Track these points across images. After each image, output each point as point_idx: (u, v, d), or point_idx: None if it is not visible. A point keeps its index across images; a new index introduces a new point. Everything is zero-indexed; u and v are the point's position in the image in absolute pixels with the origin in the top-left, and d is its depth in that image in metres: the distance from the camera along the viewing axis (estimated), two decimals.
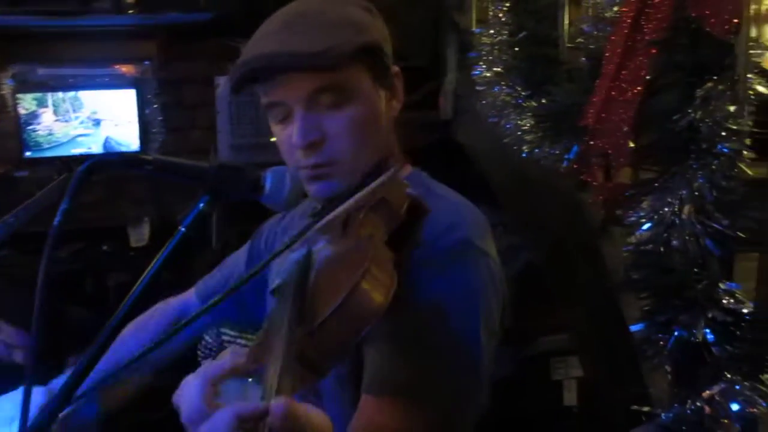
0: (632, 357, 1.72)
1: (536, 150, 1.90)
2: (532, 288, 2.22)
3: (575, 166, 1.82)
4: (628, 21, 1.38)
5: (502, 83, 2.06)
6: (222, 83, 3.16)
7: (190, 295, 1.34)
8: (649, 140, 1.34)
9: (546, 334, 3.06)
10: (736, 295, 1.19)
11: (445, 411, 0.88)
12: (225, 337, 2.35)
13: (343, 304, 0.69)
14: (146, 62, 3.09)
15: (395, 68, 1.04)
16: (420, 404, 0.85)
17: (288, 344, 0.66)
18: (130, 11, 2.93)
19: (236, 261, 1.33)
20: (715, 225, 1.23)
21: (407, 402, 0.86)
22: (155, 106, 3.06)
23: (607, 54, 1.46)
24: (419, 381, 0.87)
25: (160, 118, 3.01)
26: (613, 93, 1.40)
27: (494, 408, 0.95)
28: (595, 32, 1.59)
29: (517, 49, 2.06)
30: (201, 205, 0.91)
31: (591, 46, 1.62)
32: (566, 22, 2.10)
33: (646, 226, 1.31)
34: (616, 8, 1.47)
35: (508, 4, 2.10)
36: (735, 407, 1.13)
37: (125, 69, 3.08)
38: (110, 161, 0.99)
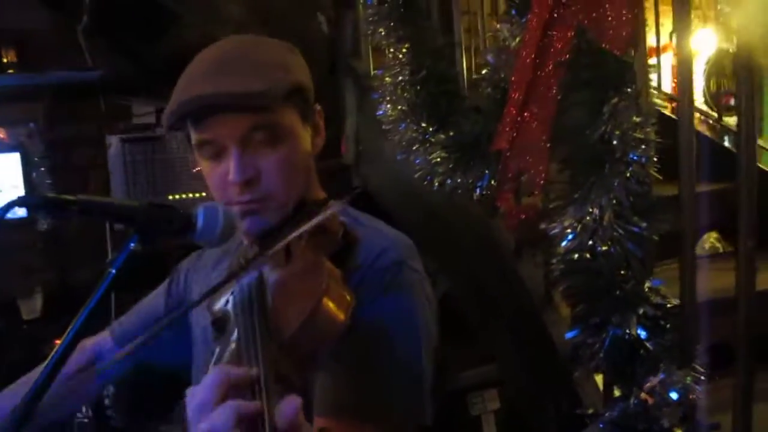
0: (560, 372, 1.78)
1: (448, 181, 1.96)
2: (449, 322, 2.27)
3: (487, 193, 1.90)
4: (533, 47, 1.47)
5: (408, 120, 2.12)
6: (114, 143, 3.06)
7: (104, 338, 1.30)
8: (562, 155, 1.42)
9: (464, 370, 3.11)
10: (661, 291, 1.26)
11: (393, 429, 0.92)
12: None
13: (310, 318, 0.73)
14: (31, 124, 2.95)
15: (317, 107, 1.09)
16: (369, 424, 0.89)
17: (265, 359, 0.68)
18: (10, 71, 2.81)
19: (153, 303, 1.31)
20: (633, 228, 1.32)
21: (357, 423, 0.90)
22: (42, 169, 2.91)
23: (513, 80, 1.54)
24: (368, 401, 0.91)
25: (48, 181, 2.87)
26: (525, 115, 1.47)
27: None
28: (499, 63, 1.68)
29: (418, 87, 2.14)
30: (131, 245, 0.90)
31: (496, 76, 1.70)
32: (464, 59, 2.21)
33: (569, 237, 1.37)
34: (518, 38, 1.56)
35: (407, 46, 2.18)
36: (674, 395, 1.18)
37: (7, 132, 2.93)
38: (31, 202, 0.96)
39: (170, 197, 3.24)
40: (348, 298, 0.80)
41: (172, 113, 0.99)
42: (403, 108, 2.14)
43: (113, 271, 0.87)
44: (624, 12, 1.30)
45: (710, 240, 2.66)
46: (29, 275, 2.91)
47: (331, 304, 0.77)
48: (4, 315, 2.80)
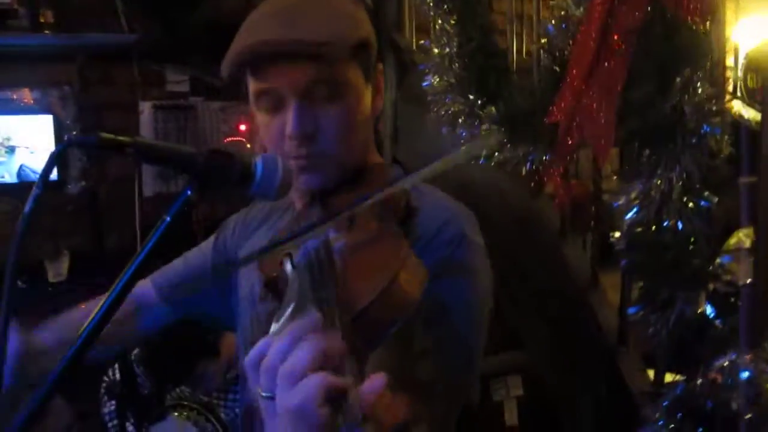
0: (603, 356, 1.74)
1: (496, 154, 1.92)
2: None
3: (536, 169, 1.86)
4: (600, 16, 1.42)
5: (455, 93, 2.08)
6: (146, 109, 3.03)
7: (146, 287, 1.26)
8: (629, 127, 1.37)
9: (486, 355, 3.07)
10: (733, 267, 1.22)
11: (445, 406, 0.90)
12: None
13: (384, 292, 0.69)
14: (65, 87, 2.91)
15: (380, 65, 1.05)
16: (424, 400, 0.85)
17: (345, 330, 0.64)
18: (47, 31, 2.77)
19: (200, 256, 1.27)
20: (703, 203, 1.27)
21: (413, 398, 0.87)
22: (74, 133, 2.88)
23: (575, 50, 1.50)
24: (425, 378, 0.88)
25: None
26: (590, 86, 1.43)
27: None
28: (559, 33, 1.63)
29: (466, 60, 2.10)
30: (188, 192, 0.86)
31: (555, 47, 1.66)
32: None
33: (634, 210, 1.33)
34: (582, 8, 1.51)
35: (455, 18, 2.13)
36: (745, 374, 1.14)
37: (41, 93, 2.90)
38: (88, 141, 0.92)
39: None
40: (422, 273, 0.75)
41: (235, 57, 0.94)
42: (450, 80, 2.09)
43: (168, 218, 0.82)
44: None
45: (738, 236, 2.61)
46: (57, 238, 2.88)
47: (406, 280, 0.72)
48: (30, 276, 2.78)
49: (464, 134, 2.04)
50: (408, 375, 0.87)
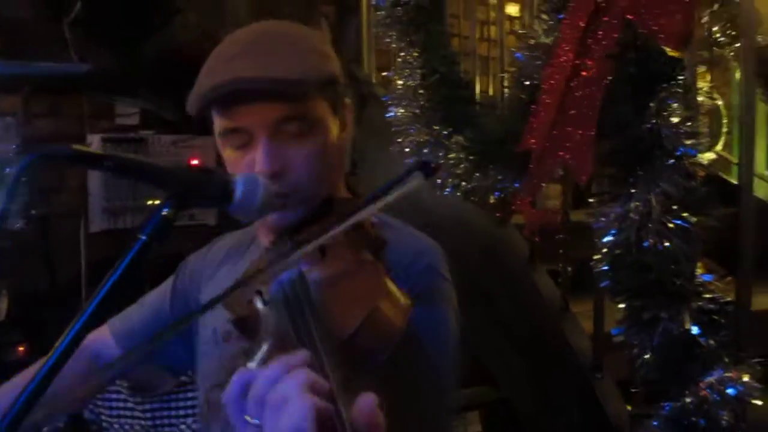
0: (577, 382, 1.73)
1: (463, 183, 1.92)
2: None
3: (504, 197, 1.87)
4: (573, 43, 1.45)
5: (420, 123, 2.08)
6: (95, 142, 2.94)
7: (104, 335, 1.21)
8: (605, 150, 1.39)
9: None
10: (715, 285, 1.24)
11: None
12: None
13: (367, 321, 0.68)
14: (8, 117, 2.80)
15: (347, 100, 1.05)
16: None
17: (330, 358, 0.63)
18: None
19: (159, 300, 1.22)
20: (682, 223, 1.29)
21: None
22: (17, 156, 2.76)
23: (548, 76, 1.52)
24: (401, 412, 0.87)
25: (23, 179, 2.71)
26: (565, 112, 1.45)
27: None
28: (529, 61, 1.65)
29: (431, 91, 2.11)
30: (165, 210, 0.83)
31: (524, 75, 1.68)
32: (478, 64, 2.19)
33: (612, 232, 1.34)
34: (556, 33, 1.54)
35: (418, 49, 2.15)
36: (731, 391, 1.15)
37: None
38: (62, 154, 0.87)
39: (149, 202, 3.13)
40: (404, 301, 0.74)
41: (206, 95, 0.92)
42: (415, 111, 2.10)
43: (144, 237, 0.79)
44: (679, 8, 1.29)
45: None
46: None
47: (389, 307, 0.71)
48: None
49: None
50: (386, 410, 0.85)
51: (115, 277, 0.78)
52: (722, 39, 2.36)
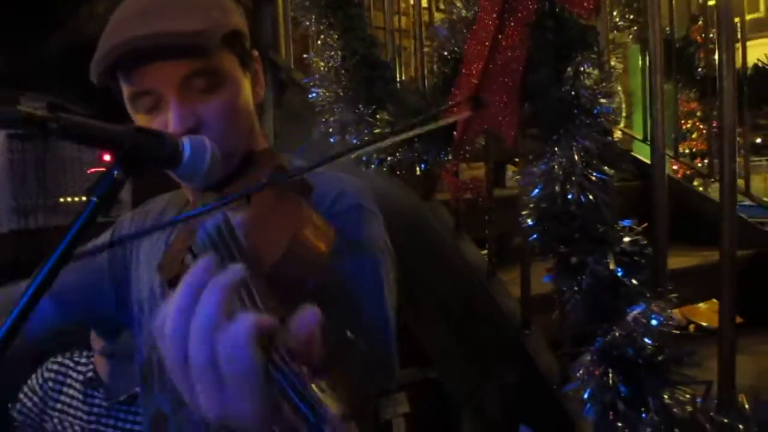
0: (507, 344, 1.83)
1: (389, 158, 1.99)
2: None
3: (430, 169, 1.94)
4: (493, 14, 1.54)
5: (343, 103, 2.13)
6: (0, 138, 2.82)
7: None
8: (528, 112, 1.49)
9: None
10: (634, 228, 1.35)
11: (359, 386, 0.86)
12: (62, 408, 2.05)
13: (290, 248, 0.69)
14: None
15: (255, 52, 1.05)
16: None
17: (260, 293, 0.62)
18: None
19: (93, 258, 1.20)
20: (601, 176, 1.40)
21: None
22: None
23: (471, 47, 1.60)
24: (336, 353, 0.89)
25: None
26: (489, 79, 1.53)
27: None
28: (452, 35, 1.74)
29: (352, 72, 2.16)
30: (115, 172, 0.84)
31: (446, 49, 1.76)
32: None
33: (539, 187, 1.44)
34: (476, 7, 1.63)
35: (338, 32, 2.20)
36: (654, 322, 1.26)
37: None
38: (6, 116, 0.86)
39: (62, 200, 3.03)
40: (328, 230, 0.76)
41: (104, 58, 0.90)
42: (338, 92, 2.15)
43: (95, 198, 0.79)
44: None
45: None
46: None
47: (312, 233, 0.72)
48: None
49: (355, 141, 2.10)
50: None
51: (70, 236, 0.79)
52: (621, 23, 2.54)
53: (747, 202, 2.45)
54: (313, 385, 0.53)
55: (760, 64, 2.34)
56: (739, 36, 2.23)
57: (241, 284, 0.60)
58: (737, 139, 1.48)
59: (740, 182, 2.50)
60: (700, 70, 2.49)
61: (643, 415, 1.21)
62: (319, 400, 0.52)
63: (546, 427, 1.70)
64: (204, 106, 0.93)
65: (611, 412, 1.26)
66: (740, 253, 2.26)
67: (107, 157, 2.85)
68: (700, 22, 2.72)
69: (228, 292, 0.57)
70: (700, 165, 3.71)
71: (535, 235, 1.44)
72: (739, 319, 1.74)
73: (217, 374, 0.54)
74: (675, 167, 3.55)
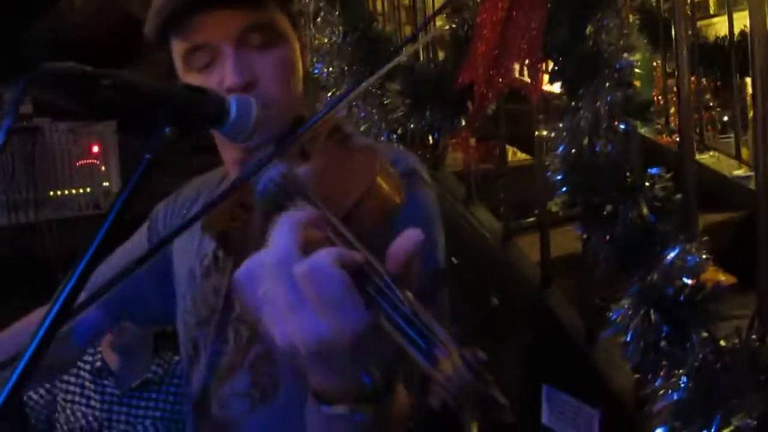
0: (527, 302, 1.85)
1: (399, 129, 2.01)
2: None
3: (438, 140, 1.97)
4: None
5: (349, 77, 2.14)
6: None
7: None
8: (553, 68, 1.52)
9: None
10: (662, 176, 1.39)
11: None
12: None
13: (366, 194, 0.67)
14: None
15: (301, 20, 1.07)
16: None
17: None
18: None
19: (135, 251, 1.17)
20: (626, 127, 1.44)
21: None
22: None
23: (489, 10, 1.63)
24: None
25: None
26: (511, 39, 1.56)
27: None
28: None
29: (355, 47, 2.18)
30: (166, 130, 0.83)
31: (459, 14, 1.79)
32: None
33: (561, 146, 1.47)
34: None
35: (337, 9, 2.21)
36: (690, 261, 1.30)
37: None
38: (59, 71, 0.83)
39: (52, 193, 2.98)
40: (399, 180, 0.73)
41: (162, 9, 0.89)
42: (343, 66, 2.16)
43: (148, 156, 0.75)
44: None
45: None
46: None
47: (385, 182, 0.70)
48: None
49: (363, 115, 2.11)
50: None
51: (126, 193, 0.78)
52: None
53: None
54: (419, 309, 0.50)
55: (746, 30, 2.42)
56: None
57: (317, 220, 0.59)
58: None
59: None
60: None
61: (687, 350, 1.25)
62: (429, 324, 0.50)
63: (573, 384, 1.73)
64: (261, 61, 0.92)
65: (653, 353, 1.30)
66: (731, 215, 2.35)
67: (96, 149, 2.81)
68: None
69: (302, 225, 0.57)
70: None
71: (564, 188, 1.47)
72: (732, 279, 1.80)
73: (311, 302, 0.53)
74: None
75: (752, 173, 2.78)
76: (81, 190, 3.01)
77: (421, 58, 2.22)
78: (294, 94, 0.96)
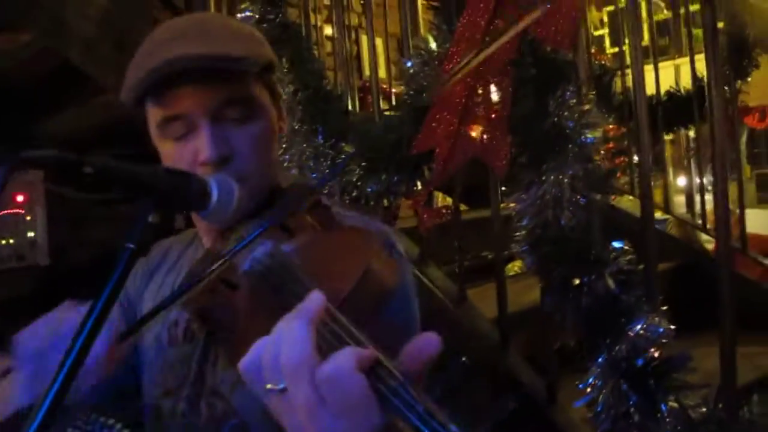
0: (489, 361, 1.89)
1: (354, 193, 2.01)
2: None
3: (395, 201, 1.99)
4: (474, 43, 1.62)
5: (301, 136, 2.14)
6: None
7: None
8: (515, 143, 1.57)
9: None
10: (626, 249, 1.46)
11: None
12: None
13: (362, 280, 0.66)
14: None
15: (279, 90, 1.06)
16: None
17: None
18: None
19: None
20: (588, 200, 1.50)
21: None
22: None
23: (453, 83, 1.67)
24: None
25: None
26: (469, 115, 1.61)
27: None
28: (420, 70, 1.80)
29: (305, 105, 2.18)
30: (150, 216, 0.82)
31: (416, 83, 1.82)
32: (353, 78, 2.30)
33: (525, 220, 1.52)
34: (447, 44, 1.70)
35: (287, 66, 2.21)
36: (657, 333, 1.37)
37: None
38: (40, 158, 0.75)
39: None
40: (392, 264, 0.74)
41: (140, 81, 0.87)
42: (294, 125, 2.15)
43: (131, 245, 0.75)
44: (567, 15, 1.51)
45: (514, 268, 3.02)
46: None
47: (380, 266, 0.69)
48: None
49: (314, 176, 2.11)
50: None
51: (111, 286, 0.75)
52: None
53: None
54: (432, 408, 0.51)
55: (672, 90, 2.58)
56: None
57: (326, 312, 0.58)
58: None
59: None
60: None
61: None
62: (444, 423, 0.50)
63: None
64: (237, 135, 0.91)
65: (623, 422, 1.35)
66: (664, 266, 2.47)
67: (20, 198, 2.70)
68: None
69: (315, 322, 0.57)
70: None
71: (530, 261, 1.52)
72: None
73: (329, 404, 0.54)
74: None
75: (668, 216, 2.94)
76: (3, 242, 2.85)
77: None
78: (269, 166, 0.96)
